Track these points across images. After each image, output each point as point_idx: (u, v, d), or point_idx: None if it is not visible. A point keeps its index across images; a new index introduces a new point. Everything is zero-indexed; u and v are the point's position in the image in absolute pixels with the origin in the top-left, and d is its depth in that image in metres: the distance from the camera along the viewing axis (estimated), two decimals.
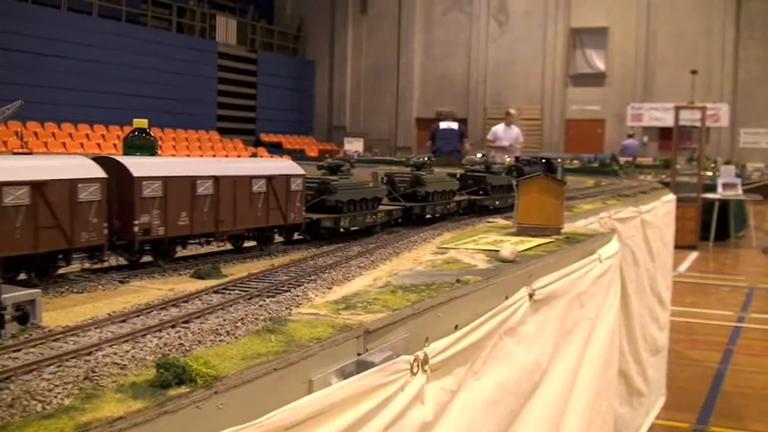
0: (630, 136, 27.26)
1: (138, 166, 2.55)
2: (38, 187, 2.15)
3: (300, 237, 3.45)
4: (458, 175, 5.02)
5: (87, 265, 2.56)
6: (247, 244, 3.20)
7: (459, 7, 32.41)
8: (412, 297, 2.45)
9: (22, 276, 2.29)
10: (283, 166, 3.25)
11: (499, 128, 17.20)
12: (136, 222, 2.52)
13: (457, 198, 4.75)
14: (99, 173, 2.37)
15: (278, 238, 3.29)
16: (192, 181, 2.72)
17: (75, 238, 2.28)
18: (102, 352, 1.72)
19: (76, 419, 1.34)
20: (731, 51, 29.12)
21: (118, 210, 2.50)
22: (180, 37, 27.50)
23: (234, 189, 2.88)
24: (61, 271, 2.44)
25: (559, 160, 7.48)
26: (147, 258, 2.74)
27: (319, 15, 34.27)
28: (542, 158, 6.40)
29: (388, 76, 33.57)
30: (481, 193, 5.06)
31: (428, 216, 4.30)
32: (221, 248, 3.12)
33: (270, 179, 3.05)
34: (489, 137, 17.30)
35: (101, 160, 2.47)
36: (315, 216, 3.41)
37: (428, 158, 4.60)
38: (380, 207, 3.99)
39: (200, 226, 2.76)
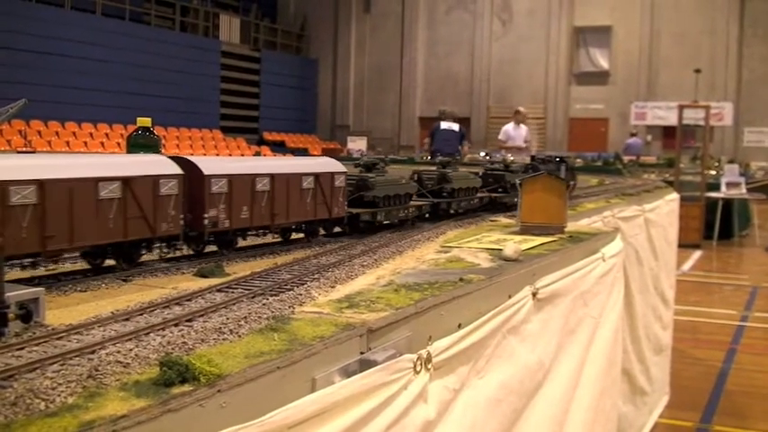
0: (633, 135, 27.23)
1: (207, 164, 2.81)
2: (127, 182, 2.42)
3: (340, 230, 3.69)
4: (480, 174, 5.27)
5: (165, 252, 2.78)
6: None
7: (462, 6, 32.39)
8: (415, 296, 2.45)
9: (111, 262, 2.59)
10: (328, 163, 3.53)
11: (509, 127, 16.97)
12: (206, 215, 2.77)
13: (479, 195, 4.97)
14: (177, 170, 2.66)
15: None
16: (252, 178, 2.97)
17: (157, 227, 2.56)
18: (105, 350, 1.72)
19: (80, 418, 1.34)
20: (735, 50, 29.07)
21: (189, 204, 2.73)
22: (183, 36, 27.52)
23: (287, 185, 3.14)
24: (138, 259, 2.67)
25: (579, 161, 7.56)
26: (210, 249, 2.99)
27: (322, 14, 34.28)
28: (557, 157, 6.73)
29: (391, 75, 33.57)
30: (500, 190, 5.27)
31: (452, 211, 4.55)
32: (274, 240, 3.35)
33: (317, 176, 3.32)
34: (501, 137, 17.06)
35: (174, 159, 2.73)
36: (354, 210, 3.66)
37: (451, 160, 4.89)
38: (411, 202, 4.23)
39: (258, 219, 3.01)
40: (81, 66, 22.01)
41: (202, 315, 2.07)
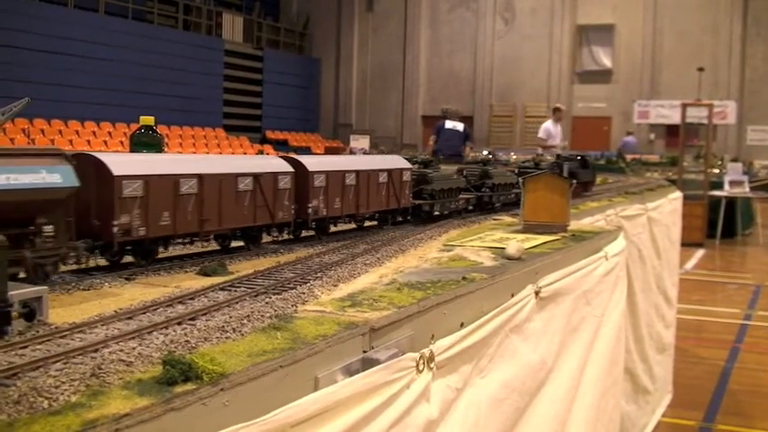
0: (630, 133, 27.14)
1: (310, 162, 3.37)
2: (257, 177, 3.03)
3: (404, 219, 4.19)
4: (516, 171, 5.76)
5: (277, 236, 3.34)
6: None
7: (465, 4, 32.36)
8: (418, 294, 2.45)
9: (239, 244, 3.14)
10: (397, 161, 4.10)
11: (550, 125, 16.64)
12: (309, 205, 3.34)
13: (514, 190, 5.35)
14: (290, 168, 3.26)
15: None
16: (343, 174, 3.54)
17: (276, 215, 3.16)
18: (108, 349, 1.72)
19: (83, 416, 1.34)
20: (738, 49, 29.01)
21: (296, 196, 3.27)
22: (186, 34, 27.51)
23: (368, 180, 3.71)
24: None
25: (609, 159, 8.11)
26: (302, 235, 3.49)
27: (325, 13, 34.25)
28: (578, 156, 7.19)
29: (393, 74, 33.54)
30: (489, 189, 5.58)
31: (495, 204, 5.11)
32: (354, 227, 3.86)
33: (390, 172, 3.88)
34: (542, 135, 16.63)
35: (285, 159, 3.34)
36: (416, 201, 4.19)
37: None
38: (460, 196, 4.75)
39: (347, 209, 3.59)
40: (84, 64, 22.02)
41: (205, 314, 2.07)
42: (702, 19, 29.18)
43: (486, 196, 5.02)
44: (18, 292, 1.85)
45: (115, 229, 2.48)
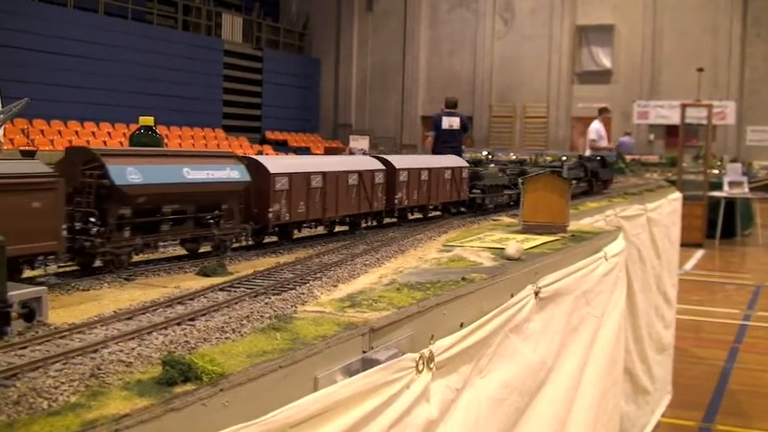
0: (628, 134, 27.08)
1: (397, 161, 4.08)
2: (361, 174, 3.74)
3: (460, 210, 4.88)
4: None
5: (373, 223, 4.01)
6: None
7: (465, 5, 32.36)
8: (417, 295, 2.45)
9: (343, 228, 3.79)
10: (458, 161, 4.90)
11: (598, 125, 16.30)
12: (396, 197, 4.04)
13: None
14: (382, 166, 3.96)
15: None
16: (419, 171, 4.25)
17: (373, 205, 3.86)
18: (107, 349, 1.72)
19: (82, 417, 1.34)
20: (738, 49, 29.02)
21: (386, 190, 3.96)
22: (186, 35, 27.51)
23: (438, 176, 4.45)
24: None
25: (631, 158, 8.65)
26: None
27: (325, 13, 34.25)
28: (598, 157, 7.88)
29: (393, 74, 33.54)
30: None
31: None
32: (420, 216, 4.51)
33: (453, 170, 4.65)
34: (593, 136, 16.28)
35: (376, 158, 4.03)
36: (472, 195, 4.90)
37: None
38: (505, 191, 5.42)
39: (420, 200, 4.30)
40: (83, 64, 22.01)
41: (205, 314, 2.07)
42: (702, 19, 29.18)
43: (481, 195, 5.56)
44: (17, 293, 1.84)
45: (270, 215, 3.19)
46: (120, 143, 20.56)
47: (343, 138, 31.00)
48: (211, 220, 2.92)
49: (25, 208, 2.15)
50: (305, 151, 28.17)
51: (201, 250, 2.96)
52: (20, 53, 20.26)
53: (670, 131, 28.13)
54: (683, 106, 19.46)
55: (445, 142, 13.83)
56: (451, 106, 14.62)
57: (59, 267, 2.56)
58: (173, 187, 2.71)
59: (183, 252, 2.99)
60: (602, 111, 17.02)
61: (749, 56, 29.20)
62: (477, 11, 32.11)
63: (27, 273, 2.30)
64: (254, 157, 3.25)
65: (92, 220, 2.46)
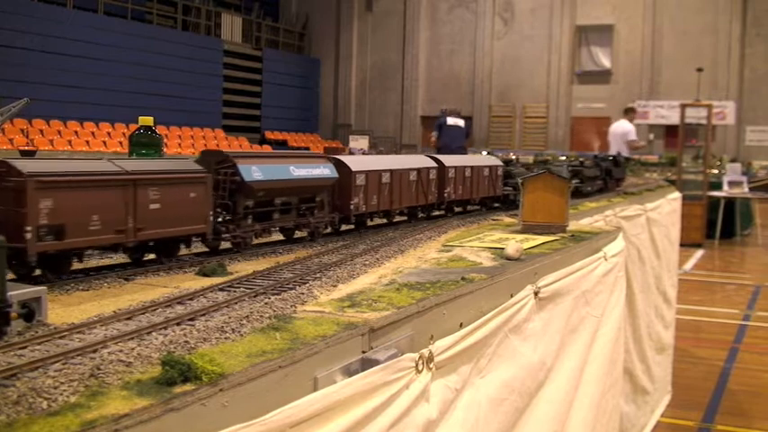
0: None
1: (447, 160, 4.63)
2: (419, 171, 4.30)
3: (494, 206, 5.34)
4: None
5: (425, 215, 4.54)
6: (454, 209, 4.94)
7: (464, 5, 32.36)
8: (417, 295, 2.45)
9: (402, 218, 4.31)
10: (494, 160, 5.48)
11: (630, 125, 16.30)
12: (445, 191, 4.58)
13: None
14: (435, 164, 4.52)
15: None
16: (464, 169, 4.79)
17: (427, 198, 4.41)
18: (107, 349, 1.72)
19: (82, 417, 1.34)
20: (737, 49, 29.02)
21: (438, 185, 4.52)
22: (185, 35, 27.51)
23: (479, 174, 4.99)
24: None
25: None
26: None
27: (324, 13, 34.25)
28: (611, 156, 8.37)
29: (393, 74, 33.54)
30: (579, 181, 6.60)
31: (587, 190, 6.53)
32: (462, 210, 4.99)
33: (491, 168, 5.20)
34: (633, 137, 16.33)
35: (429, 157, 4.58)
36: (505, 191, 5.41)
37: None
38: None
39: (465, 194, 4.82)
40: (83, 64, 22.01)
41: (204, 314, 2.07)
42: (701, 19, 29.19)
43: (580, 185, 6.35)
44: (17, 293, 1.84)
45: (351, 206, 3.69)
46: (120, 143, 20.57)
47: (342, 138, 31.01)
48: (308, 210, 3.49)
49: (185, 198, 2.70)
50: (305, 151, 28.14)
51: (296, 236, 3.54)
52: (19, 53, 20.26)
53: (670, 131, 28.12)
54: (683, 106, 19.46)
55: (453, 137, 14.53)
56: (454, 116, 15.25)
57: (189, 250, 2.98)
58: (283, 183, 3.27)
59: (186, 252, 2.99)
60: (629, 110, 16.93)
61: (749, 56, 29.20)
62: (476, 11, 32.11)
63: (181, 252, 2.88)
64: (339, 157, 3.75)
65: (220, 210, 2.98)
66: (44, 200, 2.21)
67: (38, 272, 2.33)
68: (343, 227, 3.81)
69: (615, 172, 7.79)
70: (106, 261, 2.71)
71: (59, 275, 2.40)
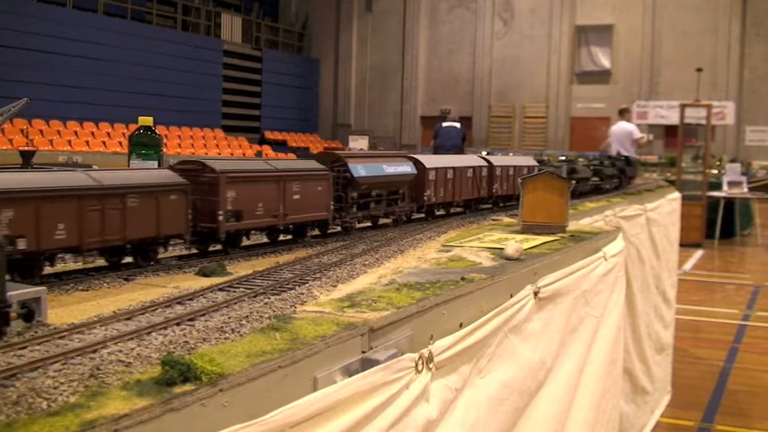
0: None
1: (495, 160, 5.34)
2: (474, 169, 5.02)
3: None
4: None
5: (477, 208, 5.18)
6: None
7: (464, 5, 32.36)
8: (417, 295, 2.44)
9: (459, 210, 4.93)
10: (530, 161, 6.21)
11: (632, 126, 16.71)
12: (494, 187, 5.23)
13: (589, 182, 7.06)
14: (486, 163, 5.17)
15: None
16: (508, 168, 5.46)
17: (480, 192, 5.06)
18: (107, 350, 1.72)
19: (82, 417, 1.34)
20: (737, 49, 29.02)
21: (488, 182, 5.17)
22: (185, 35, 27.50)
23: (519, 172, 5.54)
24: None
25: (581, 160, 9.13)
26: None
27: (324, 13, 34.25)
28: (623, 156, 9.45)
29: (392, 74, 33.54)
30: (599, 179, 7.28)
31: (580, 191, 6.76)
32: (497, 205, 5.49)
33: (528, 168, 5.81)
34: (639, 135, 16.72)
35: (481, 158, 5.30)
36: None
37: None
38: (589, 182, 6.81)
39: (508, 190, 5.39)
40: (83, 64, 22.00)
41: (204, 314, 2.07)
42: (701, 20, 29.19)
43: (600, 183, 6.99)
44: (17, 293, 1.84)
45: (425, 198, 4.35)
46: (120, 143, 20.56)
47: (342, 138, 31.02)
48: (393, 201, 4.13)
49: (315, 190, 3.39)
50: (304, 151, 28.16)
51: (380, 222, 4.13)
52: (18, 53, 20.25)
53: (669, 131, 28.13)
54: (683, 106, 19.47)
55: (448, 134, 15.56)
56: (450, 119, 16.57)
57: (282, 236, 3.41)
58: (379, 178, 3.93)
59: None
60: (625, 111, 17.03)
61: (748, 56, 29.21)
62: (476, 11, 32.11)
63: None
64: (415, 156, 4.40)
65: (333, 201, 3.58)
66: (230, 191, 2.88)
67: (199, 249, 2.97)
68: (414, 216, 4.48)
69: (628, 171, 8.61)
70: (103, 262, 2.71)
71: (234, 249, 3.06)
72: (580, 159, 9.29)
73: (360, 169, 3.74)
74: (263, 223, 3.11)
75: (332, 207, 3.52)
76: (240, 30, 30.25)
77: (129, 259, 2.66)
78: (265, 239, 3.35)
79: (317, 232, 3.60)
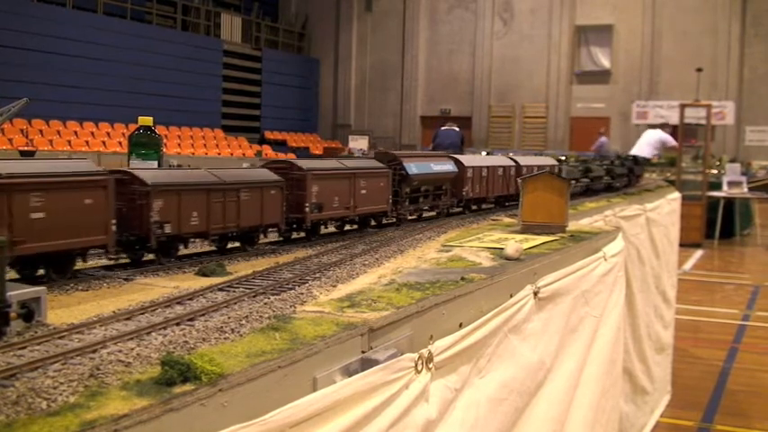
0: (601, 133, 26.91)
1: (521, 160, 5.74)
2: (504, 168, 5.35)
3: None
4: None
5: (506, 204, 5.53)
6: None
7: (464, 5, 32.37)
8: (416, 295, 2.44)
9: (490, 205, 5.38)
10: (551, 160, 6.69)
11: (668, 135, 18.63)
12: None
13: (603, 180, 7.54)
14: (514, 163, 5.59)
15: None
16: (533, 167, 5.72)
17: (509, 189, 5.41)
18: (106, 350, 1.72)
19: (81, 417, 1.34)
20: (736, 49, 29.03)
21: (515, 180, 5.29)
22: (185, 35, 27.51)
23: (534, 172, 5.55)
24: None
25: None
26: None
27: (324, 13, 34.26)
28: (632, 157, 9.90)
29: (392, 74, 33.55)
30: (611, 178, 7.72)
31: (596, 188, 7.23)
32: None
33: (550, 167, 5.92)
34: (674, 143, 18.73)
35: (509, 158, 5.73)
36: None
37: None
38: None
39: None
40: (82, 64, 22.01)
41: (204, 314, 2.07)
42: (701, 20, 29.20)
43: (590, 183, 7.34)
44: (16, 293, 1.84)
45: (464, 193, 4.81)
46: (120, 143, 20.57)
47: (342, 138, 31.01)
48: (437, 196, 4.58)
49: (377, 186, 3.86)
50: (304, 151, 28.17)
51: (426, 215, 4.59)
52: (18, 53, 20.26)
53: (662, 127, 28.08)
54: (682, 106, 19.47)
55: (446, 135, 16.15)
56: (449, 123, 17.29)
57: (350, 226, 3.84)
58: (428, 176, 4.40)
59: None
60: (665, 126, 19.44)
61: (748, 56, 29.22)
62: (476, 11, 32.12)
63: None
64: (456, 156, 4.87)
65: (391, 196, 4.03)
66: (314, 186, 3.34)
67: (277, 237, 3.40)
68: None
69: (636, 170, 9.10)
70: (103, 261, 2.71)
71: (315, 236, 3.52)
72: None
73: (413, 167, 4.22)
74: (338, 214, 3.60)
75: (390, 200, 3.99)
76: (240, 30, 30.26)
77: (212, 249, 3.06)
78: (333, 229, 3.75)
79: (372, 223, 4.05)
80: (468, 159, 4.92)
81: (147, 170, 2.74)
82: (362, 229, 3.88)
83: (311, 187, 3.31)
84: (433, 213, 4.60)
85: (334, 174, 3.54)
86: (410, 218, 4.31)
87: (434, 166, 4.50)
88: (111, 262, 2.63)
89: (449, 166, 4.68)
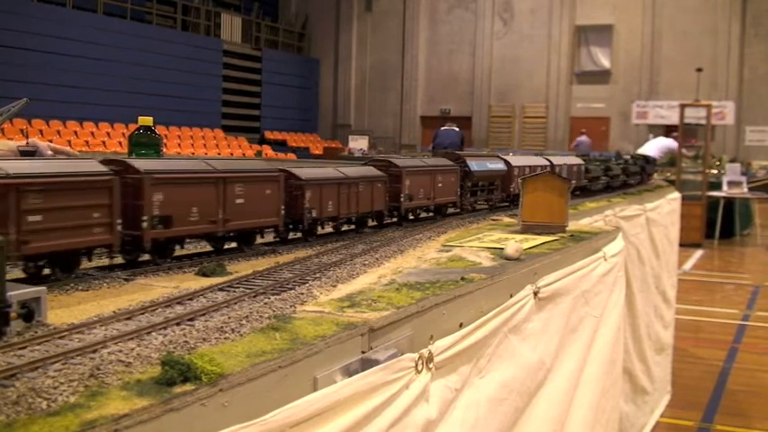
0: (583, 132, 26.88)
1: (554, 159, 6.18)
2: (541, 167, 5.61)
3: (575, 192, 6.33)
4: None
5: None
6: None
7: (464, 5, 32.38)
8: (416, 295, 2.44)
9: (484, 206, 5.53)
10: (576, 159, 6.92)
11: (673, 142, 19.44)
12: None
13: (619, 179, 8.09)
14: (546, 162, 5.89)
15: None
16: (564, 167, 6.17)
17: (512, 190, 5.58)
18: (107, 349, 1.72)
19: (82, 417, 1.34)
20: (736, 49, 29.04)
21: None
22: (185, 35, 27.51)
23: (570, 169, 6.36)
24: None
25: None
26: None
27: (324, 13, 34.27)
28: (644, 156, 10.20)
29: (392, 74, 33.56)
30: (626, 175, 8.19)
31: (612, 185, 7.74)
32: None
33: (576, 166, 6.62)
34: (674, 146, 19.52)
35: (543, 157, 6.25)
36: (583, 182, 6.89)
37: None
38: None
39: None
40: (82, 64, 22.01)
41: (204, 314, 2.07)
42: (701, 20, 29.21)
43: (609, 181, 7.71)
44: (16, 293, 1.84)
45: (511, 190, 5.27)
46: (120, 143, 20.56)
47: (342, 138, 31.02)
48: (490, 191, 5.15)
49: (450, 180, 4.50)
50: (304, 151, 28.18)
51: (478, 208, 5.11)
52: (18, 53, 20.26)
53: (669, 131, 28.12)
54: (682, 106, 19.46)
55: (446, 136, 16.42)
56: (448, 124, 17.61)
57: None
58: (485, 173, 5.02)
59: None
60: (673, 129, 20.48)
61: (748, 56, 29.22)
62: (476, 11, 32.13)
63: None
64: (505, 157, 5.43)
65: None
66: (407, 180, 4.05)
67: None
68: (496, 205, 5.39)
69: (647, 168, 9.66)
70: (105, 261, 2.71)
71: (405, 222, 4.14)
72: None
73: (474, 165, 4.86)
74: (422, 204, 4.24)
75: (458, 192, 4.62)
76: (240, 30, 30.27)
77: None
78: (411, 216, 4.28)
79: (427, 214, 4.54)
80: (514, 159, 5.51)
81: (302, 168, 3.42)
82: (438, 216, 4.53)
83: (405, 181, 4.01)
84: (485, 206, 5.19)
85: (420, 170, 4.21)
86: (477, 207, 5.08)
87: (490, 165, 5.14)
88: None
89: (500, 165, 5.30)
